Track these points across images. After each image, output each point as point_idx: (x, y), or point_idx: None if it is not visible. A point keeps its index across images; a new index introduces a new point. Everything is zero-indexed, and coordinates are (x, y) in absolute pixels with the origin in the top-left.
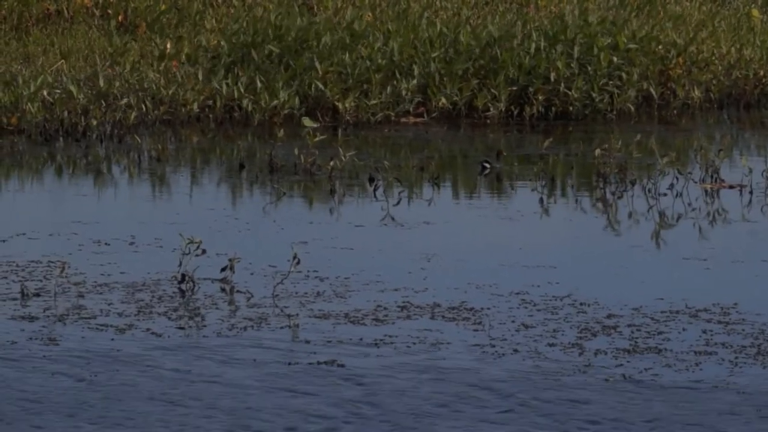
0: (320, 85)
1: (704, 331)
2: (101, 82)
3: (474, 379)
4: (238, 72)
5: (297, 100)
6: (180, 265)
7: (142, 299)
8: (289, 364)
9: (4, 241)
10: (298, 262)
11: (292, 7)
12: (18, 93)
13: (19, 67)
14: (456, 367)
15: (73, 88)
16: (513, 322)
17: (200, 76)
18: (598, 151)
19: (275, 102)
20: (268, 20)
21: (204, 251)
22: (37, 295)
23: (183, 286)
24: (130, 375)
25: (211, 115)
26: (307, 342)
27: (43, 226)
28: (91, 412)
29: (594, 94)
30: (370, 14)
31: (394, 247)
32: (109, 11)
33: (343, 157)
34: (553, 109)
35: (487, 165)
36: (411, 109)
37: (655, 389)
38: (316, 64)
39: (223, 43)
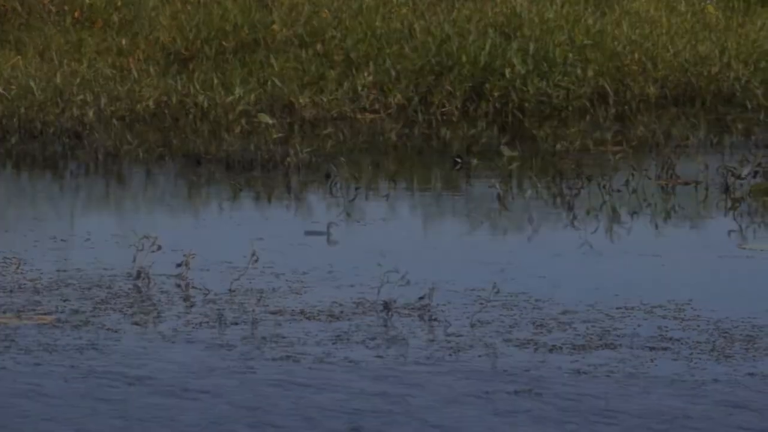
0: (277, 81)
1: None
2: (58, 79)
3: (430, 373)
4: (193, 68)
5: (253, 96)
6: (134, 260)
7: (98, 296)
8: (245, 359)
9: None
10: (257, 259)
11: (247, 3)
12: None
13: None
14: (414, 361)
15: (32, 84)
16: (467, 318)
17: (153, 72)
18: (558, 146)
19: (231, 98)
20: (223, 16)
21: (159, 247)
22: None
23: (138, 283)
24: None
25: (166, 111)
26: (263, 338)
27: None
28: None
29: (550, 91)
30: (326, 11)
31: (348, 242)
32: (66, 7)
33: (300, 154)
34: (510, 105)
35: (459, 160)
36: (367, 106)
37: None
38: (272, 59)
39: (177, 39)
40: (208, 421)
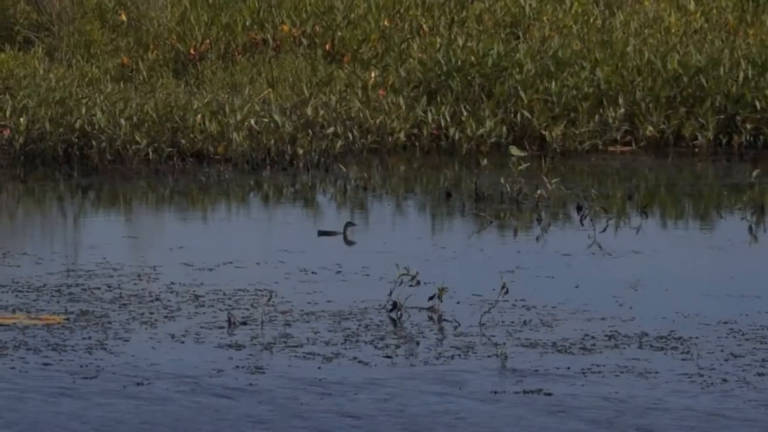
0: (527, 114)
1: None
2: (308, 111)
3: (683, 408)
4: (441, 100)
5: (504, 128)
6: (390, 293)
7: (349, 327)
8: (495, 392)
9: (211, 269)
10: (507, 292)
11: (497, 35)
12: (225, 122)
13: (226, 96)
14: (664, 396)
15: (278, 117)
16: (722, 351)
17: (403, 105)
18: None
19: (481, 130)
20: (469, 48)
21: (418, 282)
22: (244, 323)
23: (391, 315)
24: (336, 404)
25: (417, 144)
26: (514, 371)
27: (250, 254)
28: None
29: None
30: (577, 42)
31: (600, 275)
32: (316, 40)
33: (549, 186)
34: (762, 137)
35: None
36: (618, 138)
37: None
38: (521, 92)
39: (419, 72)
40: None
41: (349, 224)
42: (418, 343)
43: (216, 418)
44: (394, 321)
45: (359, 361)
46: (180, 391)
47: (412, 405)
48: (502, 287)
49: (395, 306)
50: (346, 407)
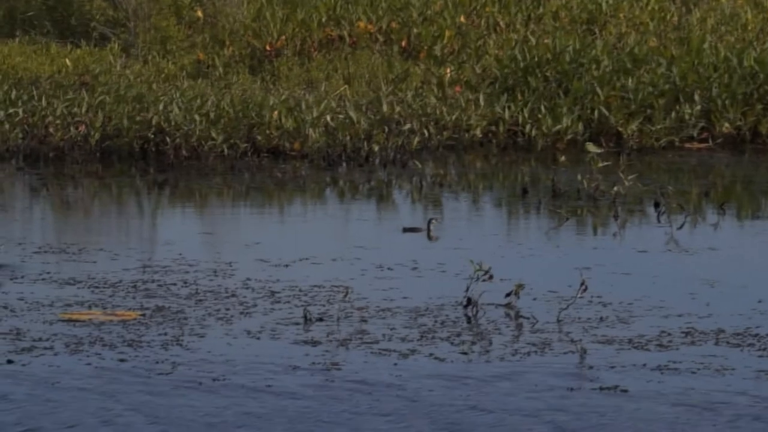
0: (604, 111)
1: None
2: (384, 108)
3: (760, 405)
4: (518, 97)
5: (580, 125)
6: (467, 290)
7: (425, 324)
8: (572, 389)
9: (287, 265)
10: (586, 289)
11: (573, 31)
12: (301, 118)
13: (302, 93)
14: (741, 393)
15: (354, 114)
16: None
17: (482, 102)
18: None
19: (558, 127)
20: (545, 45)
21: (491, 277)
22: (320, 319)
23: (468, 312)
24: (411, 399)
25: (493, 140)
26: (591, 367)
27: (326, 250)
28: None
29: None
30: (654, 39)
31: (677, 272)
32: (392, 37)
33: (626, 182)
34: None
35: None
36: (694, 135)
37: None
38: (597, 88)
39: (496, 69)
40: None
41: (432, 220)
42: (493, 340)
43: (290, 414)
44: (470, 318)
45: (435, 358)
46: (255, 388)
47: (488, 401)
48: (581, 284)
49: (470, 302)
50: (421, 403)
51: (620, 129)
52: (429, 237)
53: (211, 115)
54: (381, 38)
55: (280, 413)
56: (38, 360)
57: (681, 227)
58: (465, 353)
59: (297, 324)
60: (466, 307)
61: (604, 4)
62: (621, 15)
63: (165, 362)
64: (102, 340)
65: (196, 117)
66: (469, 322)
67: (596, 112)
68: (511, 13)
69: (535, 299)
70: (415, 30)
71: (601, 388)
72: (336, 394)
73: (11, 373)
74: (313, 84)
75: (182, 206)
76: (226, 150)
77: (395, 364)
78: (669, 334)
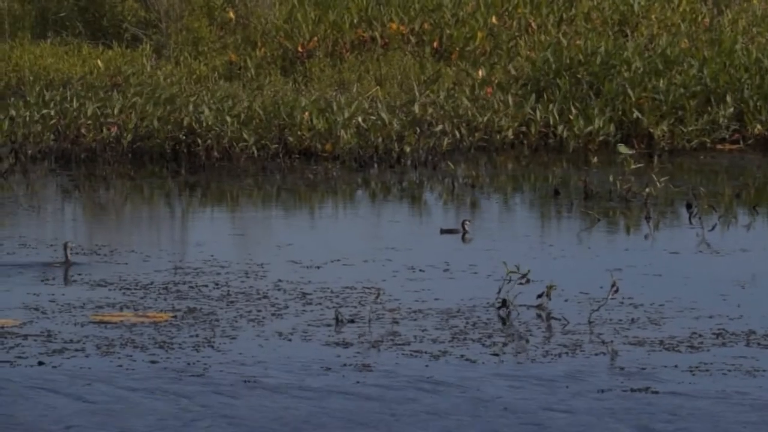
0: (636, 112)
1: None
2: (416, 109)
3: None
4: (550, 98)
5: (612, 126)
6: (499, 291)
7: (457, 325)
8: (602, 390)
9: (319, 267)
10: (617, 290)
11: (605, 33)
12: (332, 120)
13: (333, 94)
14: None
15: (386, 115)
16: None
17: (511, 103)
18: None
19: (590, 128)
20: (576, 46)
21: (528, 281)
22: (352, 321)
23: (501, 313)
24: (442, 401)
25: (525, 142)
26: (621, 369)
27: (358, 252)
28: None
29: None
30: (686, 40)
31: (708, 273)
32: (424, 38)
33: (658, 184)
34: None
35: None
36: (727, 136)
37: None
38: (629, 90)
39: (528, 70)
40: None
41: (465, 221)
42: (526, 341)
43: (323, 415)
44: (502, 319)
45: (467, 359)
46: (288, 390)
47: (518, 402)
48: (612, 285)
49: (504, 304)
50: (452, 405)
51: (652, 130)
52: (464, 238)
53: (243, 116)
54: (413, 39)
55: (312, 413)
56: (69, 362)
57: (713, 229)
58: (496, 354)
59: (328, 325)
60: (500, 308)
61: (636, 6)
62: (653, 16)
63: (196, 364)
64: (133, 341)
65: (228, 118)
66: (498, 323)
67: (628, 114)
68: (542, 15)
69: (566, 300)
70: (447, 31)
71: (632, 390)
72: (368, 394)
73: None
74: (344, 85)
75: (213, 207)
76: (257, 151)
77: (426, 366)
78: (700, 336)
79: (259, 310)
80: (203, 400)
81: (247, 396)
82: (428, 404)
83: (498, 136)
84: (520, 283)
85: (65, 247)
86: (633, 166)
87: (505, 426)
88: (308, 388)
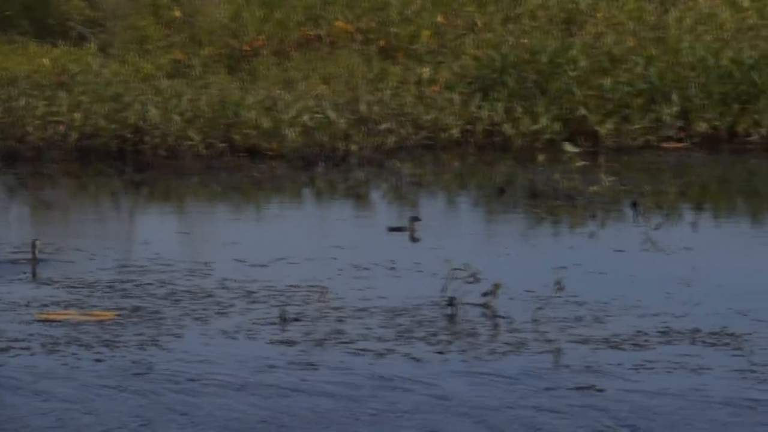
0: (582, 110)
1: None
2: (362, 107)
3: (735, 405)
4: (495, 96)
5: (558, 124)
6: (444, 290)
7: (402, 324)
8: (548, 389)
9: (264, 265)
10: (562, 288)
11: (551, 31)
12: (279, 118)
13: (279, 92)
14: (717, 393)
15: (332, 114)
16: None
17: (457, 101)
18: None
19: (536, 126)
20: (522, 45)
21: (478, 279)
22: (297, 319)
23: (444, 311)
24: (390, 398)
25: (471, 140)
26: (567, 367)
27: (303, 250)
28: None
29: None
30: (632, 39)
31: (653, 271)
32: (371, 36)
33: (603, 182)
34: None
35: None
36: (672, 134)
37: None
38: (575, 88)
39: (474, 68)
40: None
41: (414, 219)
42: (471, 340)
43: (268, 414)
44: (447, 317)
45: (412, 358)
46: (232, 388)
47: (463, 401)
48: (557, 284)
49: (450, 302)
50: (397, 403)
51: (597, 129)
52: (412, 237)
53: (189, 114)
54: (359, 38)
55: (257, 411)
56: (14, 360)
57: (658, 227)
58: (442, 353)
59: (273, 324)
60: (445, 307)
61: (582, 4)
62: (599, 15)
63: (141, 362)
64: (78, 340)
65: (174, 117)
66: (443, 321)
67: (574, 112)
68: (488, 13)
69: (511, 299)
70: (393, 29)
71: (577, 388)
72: (314, 392)
73: None
74: (290, 84)
75: (159, 206)
76: (203, 150)
77: (371, 364)
78: (645, 334)
79: (204, 309)
80: (149, 399)
81: (192, 394)
82: (374, 403)
83: (444, 135)
84: (468, 282)
85: (33, 245)
86: (578, 164)
87: (450, 424)
88: (254, 386)
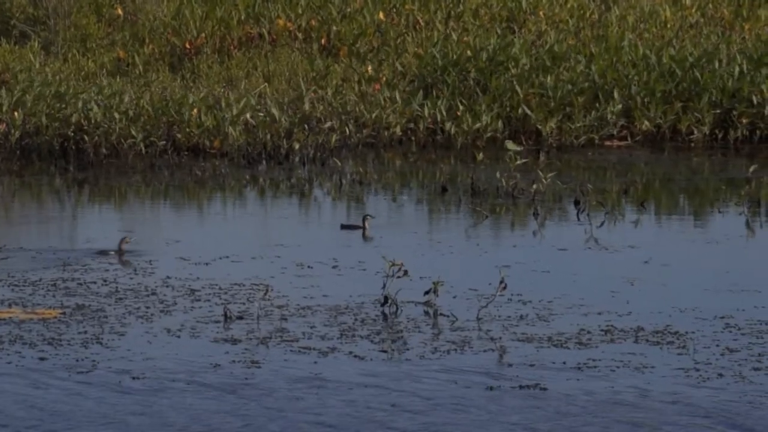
0: (524, 109)
1: None
2: (305, 106)
3: (678, 403)
4: (437, 95)
5: (500, 123)
6: (383, 287)
7: (345, 322)
8: (491, 387)
9: (207, 264)
10: (505, 287)
11: (493, 29)
12: (221, 116)
13: (221, 91)
14: (660, 391)
15: (274, 112)
16: (717, 346)
17: (399, 99)
18: None
19: (477, 125)
20: (464, 43)
21: (406, 272)
22: (240, 318)
23: (386, 309)
24: (331, 398)
25: (413, 138)
26: (510, 365)
27: (246, 249)
28: None
29: None
30: (573, 37)
31: (596, 270)
32: (312, 34)
33: (545, 180)
34: (758, 132)
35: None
36: (615, 132)
37: None
38: (516, 86)
39: (415, 66)
40: None
41: (366, 217)
42: (414, 338)
43: (211, 412)
44: (389, 315)
45: (355, 356)
46: (176, 386)
47: (407, 399)
48: (500, 282)
49: (387, 300)
50: (341, 402)
51: (539, 127)
52: (364, 235)
53: (131, 113)
54: (301, 36)
55: (201, 409)
56: None
57: (601, 225)
58: (384, 351)
59: (217, 322)
60: (383, 305)
61: (523, 2)
62: (540, 13)
63: (85, 360)
64: (22, 338)
65: (116, 115)
66: (386, 320)
67: (515, 110)
68: (430, 11)
69: (455, 297)
70: (334, 28)
71: (520, 387)
72: (255, 390)
73: None
74: (232, 82)
75: (102, 204)
76: (145, 148)
77: (315, 362)
78: (589, 332)
79: (147, 307)
80: (92, 397)
81: (134, 392)
82: (317, 400)
83: (386, 133)
84: (398, 277)
85: None
86: (518, 162)
87: (392, 422)
88: (197, 384)
